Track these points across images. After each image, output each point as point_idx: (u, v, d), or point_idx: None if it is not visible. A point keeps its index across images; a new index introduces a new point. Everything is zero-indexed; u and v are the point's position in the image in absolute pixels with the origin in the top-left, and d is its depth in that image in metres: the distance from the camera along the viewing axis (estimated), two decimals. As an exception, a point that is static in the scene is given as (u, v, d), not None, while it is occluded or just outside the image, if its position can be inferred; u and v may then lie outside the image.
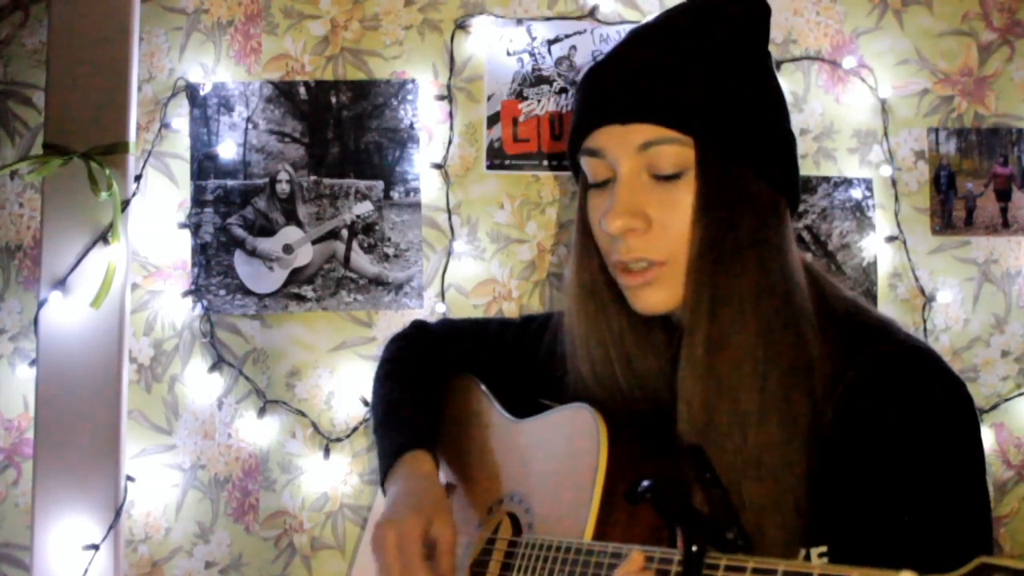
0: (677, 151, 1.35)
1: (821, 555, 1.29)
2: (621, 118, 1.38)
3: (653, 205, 1.37)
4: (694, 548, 1.01)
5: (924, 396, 1.29)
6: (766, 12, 1.47)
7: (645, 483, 1.08)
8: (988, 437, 2.58)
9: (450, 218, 2.56)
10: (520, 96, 2.58)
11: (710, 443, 1.28)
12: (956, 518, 1.25)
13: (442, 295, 2.55)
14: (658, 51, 1.39)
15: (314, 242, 2.53)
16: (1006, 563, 0.80)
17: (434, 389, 1.82)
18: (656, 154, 1.36)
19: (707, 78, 1.36)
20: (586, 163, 1.44)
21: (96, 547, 2.26)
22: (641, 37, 1.44)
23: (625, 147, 1.37)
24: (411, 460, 1.65)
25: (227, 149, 2.53)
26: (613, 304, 1.48)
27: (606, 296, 1.48)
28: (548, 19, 2.59)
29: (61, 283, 2.30)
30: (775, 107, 1.44)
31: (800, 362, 1.33)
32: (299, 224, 2.53)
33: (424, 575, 1.47)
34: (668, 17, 1.45)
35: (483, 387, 1.80)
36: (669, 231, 1.37)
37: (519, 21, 2.59)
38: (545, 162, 2.57)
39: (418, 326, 1.98)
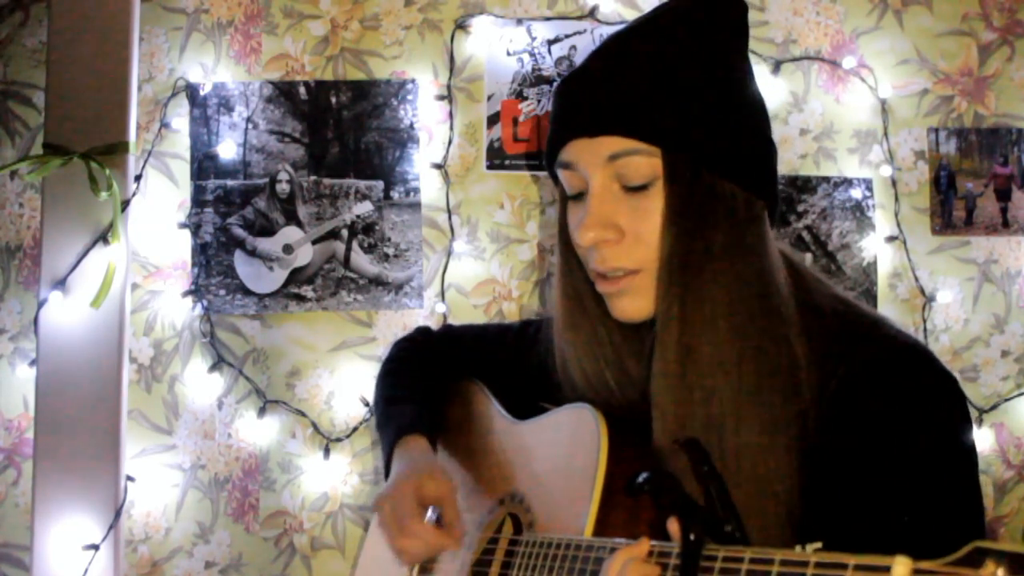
0: (645, 161, 1.35)
1: (816, 551, 1.28)
2: (588, 131, 1.38)
3: (624, 215, 1.38)
4: (692, 536, 1.01)
5: (915, 392, 1.29)
6: (740, 11, 1.46)
7: (643, 475, 1.09)
8: (988, 437, 2.58)
9: (450, 218, 2.56)
10: (520, 96, 2.59)
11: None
12: (949, 513, 1.25)
13: (442, 295, 2.55)
14: (624, 61, 1.39)
15: (314, 242, 2.53)
16: (1000, 547, 0.81)
17: (434, 384, 1.83)
18: (624, 165, 1.36)
19: (672, 86, 1.36)
20: (562, 175, 1.45)
21: (96, 547, 2.26)
22: (609, 47, 1.45)
23: (594, 159, 1.38)
24: (404, 443, 1.68)
25: (227, 149, 2.53)
26: (600, 311, 1.48)
27: (592, 304, 1.49)
28: (548, 19, 2.60)
29: (61, 283, 2.30)
30: (748, 110, 1.42)
31: (781, 364, 1.32)
32: (299, 224, 2.54)
33: (418, 527, 1.53)
34: (638, 24, 1.45)
35: (486, 389, 1.81)
36: (641, 241, 1.37)
37: (519, 21, 2.59)
38: (545, 162, 2.57)
39: (422, 331, 2.00)
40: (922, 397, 1.29)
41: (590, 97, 1.39)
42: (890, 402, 1.28)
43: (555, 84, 1.52)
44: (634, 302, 1.40)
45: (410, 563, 1.62)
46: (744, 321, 1.33)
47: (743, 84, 1.43)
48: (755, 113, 1.43)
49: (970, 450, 1.31)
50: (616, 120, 1.36)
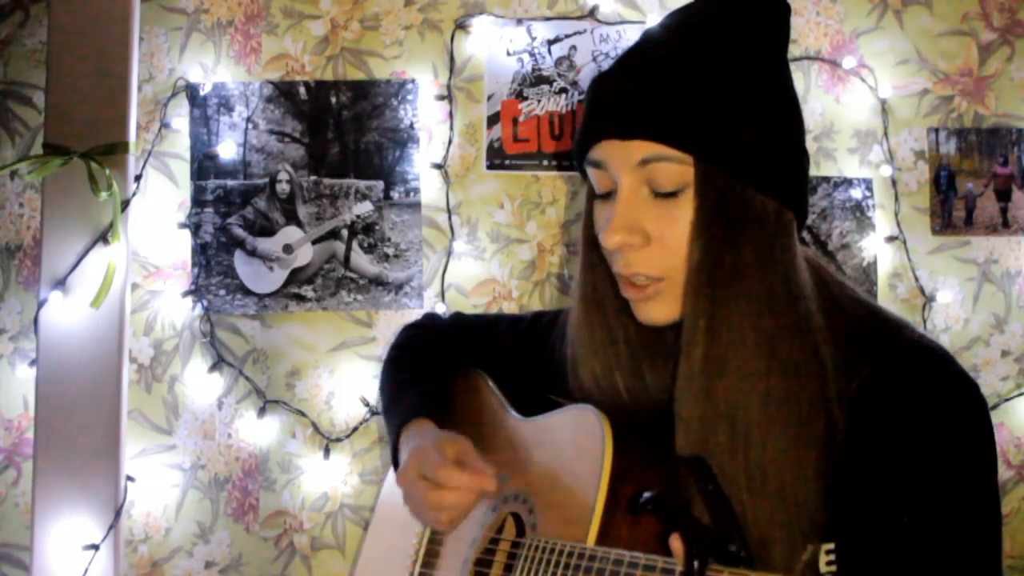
0: (676, 168, 1.34)
1: (829, 552, 1.28)
2: (620, 134, 1.36)
3: (652, 221, 1.36)
4: (696, 561, 1.01)
5: (937, 397, 1.28)
6: (783, 12, 1.44)
7: (647, 494, 1.08)
8: (988, 437, 2.58)
9: (450, 218, 2.56)
10: (520, 96, 2.58)
11: (709, 461, 1.28)
12: (966, 522, 1.24)
13: (442, 295, 2.55)
14: (660, 65, 1.37)
15: (314, 242, 2.53)
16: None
17: (442, 371, 1.81)
18: (655, 170, 1.35)
19: (709, 93, 1.34)
20: (591, 174, 1.43)
21: (96, 547, 2.26)
22: (646, 47, 1.42)
23: (625, 162, 1.36)
24: (411, 427, 1.65)
25: (227, 149, 2.53)
26: (619, 313, 1.47)
27: (612, 305, 1.47)
28: (548, 19, 2.59)
29: (61, 283, 2.30)
30: (783, 118, 1.40)
31: (809, 372, 1.31)
32: (299, 224, 2.53)
33: (451, 474, 1.48)
34: (675, 24, 1.42)
35: (491, 383, 1.80)
36: (668, 247, 1.36)
37: (519, 21, 2.59)
38: (545, 162, 2.57)
39: (430, 316, 1.98)
40: (942, 401, 1.28)
41: (624, 99, 1.37)
42: (910, 405, 1.28)
43: (591, 78, 1.49)
44: (658, 308, 1.39)
45: (450, 524, 1.53)
46: (772, 332, 1.31)
47: (780, 91, 1.41)
48: (790, 122, 1.41)
49: (990, 458, 1.30)
50: (649, 125, 1.34)
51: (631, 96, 1.37)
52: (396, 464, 1.66)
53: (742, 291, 1.32)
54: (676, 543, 1.09)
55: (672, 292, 1.37)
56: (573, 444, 1.48)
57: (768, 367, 1.30)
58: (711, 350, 1.32)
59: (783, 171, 1.38)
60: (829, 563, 1.27)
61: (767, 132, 1.36)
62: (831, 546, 1.28)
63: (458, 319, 1.98)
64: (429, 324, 1.95)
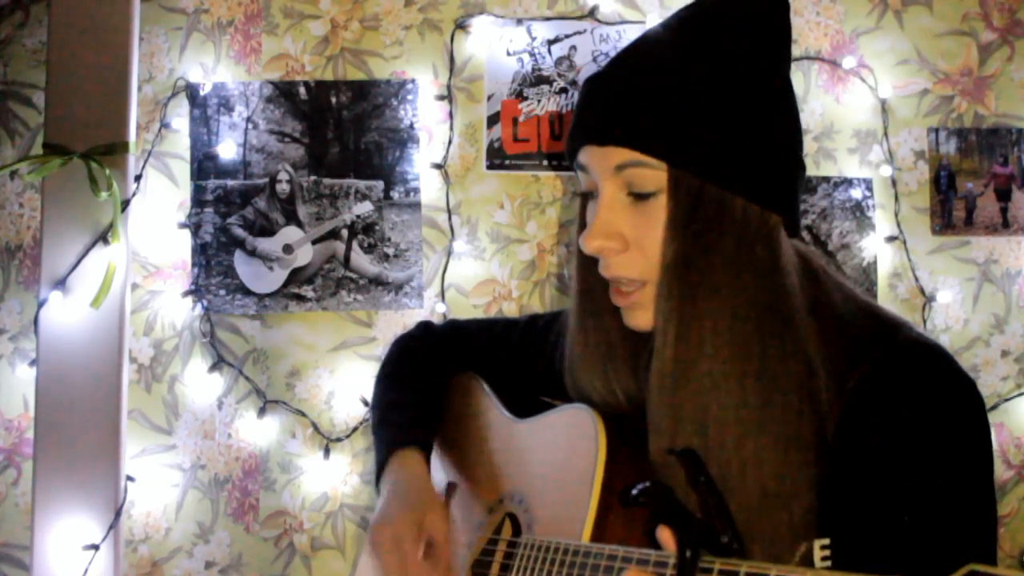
0: (651, 173, 1.34)
1: (824, 547, 1.28)
2: (598, 140, 1.38)
3: (629, 226, 1.37)
4: (688, 552, 1.01)
5: (932, 394, 1.28)
6: (783, 10, 1.44)
7: (639, 486, 1.08)
8: (988, 437, 2.58)
9: (450, 218, 2.56)
10: (520, 96, 2.59)
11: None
12: (960, 520, 1.24)
13: (442, 295, 2.55)
14: (640, 71, 1.38)
15: (314, 242, 2.53)
16: (996, 572, 0.81)
17: (433, 389, 1.81)
18: (631, 175, 1.35)
19: (686, 100, 1.33)
20: (579, 176, 1.45)
21: (96, 547, 2.26)
22: (636, 51, 1.43)
23: (604, 167, 1.38)
24: (400, 458, 1.66)
25: (227, 149, 2.53)
26: (614, 316, 1.47)
27: (606, 304, 1.48)
28: (548, 19, 2.59)
29: (61, 283, 2.30)
30: (773, 124, 1.40)
31: (794, 379, 1.31)
32: (299, 224, 2.54)
33: (420, 572, 1.49)
34: (669, 29, 1.42)
35: (485, 386, 1.80)
36: (645, 252, 1.36)
37: (519, 21, 2.59)
38: (545, 162, 2.58)
39: (423, 326, 1.97)
40: (940, 399, 1.28)
41: (602, 106, 1.38)
42: (906, 403, 1.27)
43: (582, 80, 1.51)
44: (644, 315, 1.39)
45: None
46: (748, 335, 1.31)
47: (769, 97, 1.40)
48: (780, 127, 1.40)
49: (985, 455, 1.29)
50: (623, 132, 1.35)
51: (608, 103, 1.38)
52: (378, 479, 1.67)
53: (715, 293, 1.32)
54: (665, 535, 1.09)
55: (653, 298, 1.37)
56: (567, 443, 1.48)
57: (743, 370, 1.30)
58: (679, 353, 1.32)
59: (767, 175, 1.36)
60: (824, 558, 1.27)
61: (749, 137, 1.35)
62: (825, 541, 1.28)
63: (453, 325, 1.98)
64: (421, 334, 1.94)
